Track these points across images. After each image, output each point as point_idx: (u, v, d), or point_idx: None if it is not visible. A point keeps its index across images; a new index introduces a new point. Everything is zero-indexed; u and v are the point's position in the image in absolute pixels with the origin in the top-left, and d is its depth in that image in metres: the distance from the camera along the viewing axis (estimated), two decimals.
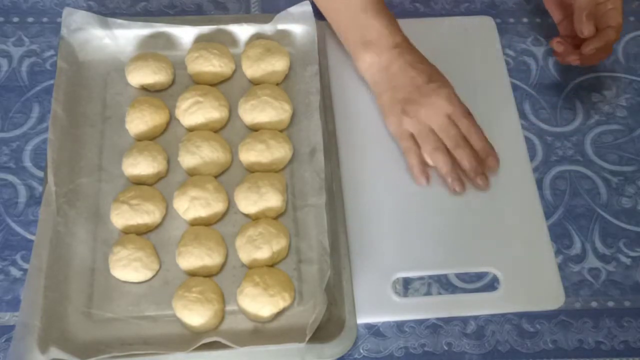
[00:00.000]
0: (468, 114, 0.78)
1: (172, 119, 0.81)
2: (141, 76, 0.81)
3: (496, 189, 0.79)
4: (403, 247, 0.75)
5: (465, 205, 0.78)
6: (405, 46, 0.80)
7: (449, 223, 0.77)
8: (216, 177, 0.77)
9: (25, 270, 0.72)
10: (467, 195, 0.78)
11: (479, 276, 0.75)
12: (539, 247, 0.76)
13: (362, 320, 0.71)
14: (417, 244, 0.76)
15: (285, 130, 0.81)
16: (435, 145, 0.77)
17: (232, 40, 0.85)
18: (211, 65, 0.81)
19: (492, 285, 0.74)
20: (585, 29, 0.77)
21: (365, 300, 0.72)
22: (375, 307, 0.72)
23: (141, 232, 0.74)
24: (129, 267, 0.70)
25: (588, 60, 0.80)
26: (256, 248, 0.71)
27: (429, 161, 0.78)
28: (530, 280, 0.74)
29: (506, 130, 0.83)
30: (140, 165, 0.76)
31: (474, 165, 0.77)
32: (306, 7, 0.83)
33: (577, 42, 0.81)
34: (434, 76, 0.79)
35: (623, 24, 0.79)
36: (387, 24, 0.79)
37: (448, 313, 0.73)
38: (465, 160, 0.77)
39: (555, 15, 0.86)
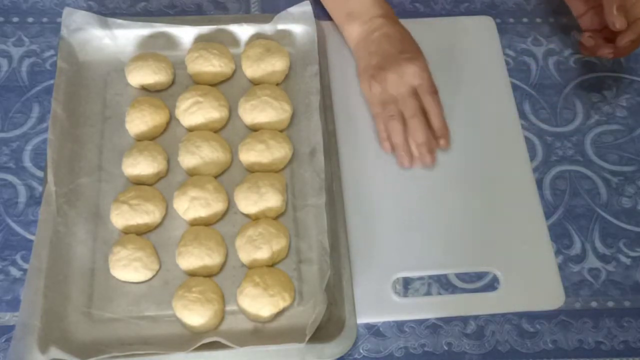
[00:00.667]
0: (433, 91, 0.79)
1: (172, 119, 0.81)
2: (141, 76, 0.81)
3: (496, 189, 0.79)
4: (403, 247, 0.75)
5: (465, 206, 0.78)
6: (389, 18, 0.82)
7: (449, 223, 0.77)
8: (216, 177, 0.77)
9: (25, 270, 0.72)
10: (468, 196, 0.78)
11: (479, 276, 0.75)
12: (539, 247, 0.76)
13: (362, 320, 0.71)
14: (417, 244, 0.76)
15: (285, 131, 0.81)
16: (393, 113, 0.78)
17: (232, 40, 0.85)
18: (211, 65, 0.81)
19: (492, 285, 0.74)
20: (618, 21, 0.76)
21: (365, 300, 0.72)
22: (375, 307, 0.72)
23: (141, 232, 0.74)
24: (129, 267, 0.70)
25: (622, 53, 0.80)
26: (256, 248, 0.71)
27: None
28: (530, 280, 0.74)
29: (506, 130, 0.83)
30: (140, 165, 0.76)
31: (426, 139, 0.78)
32: (306, 7, 0.84)
33: (603, 36, 0.80)
34: (409, 48, 0.81)
35: None
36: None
37: (448, 313, 0.73)
38: (418, 132, 0.78)
39: (577, 8, 0.84)
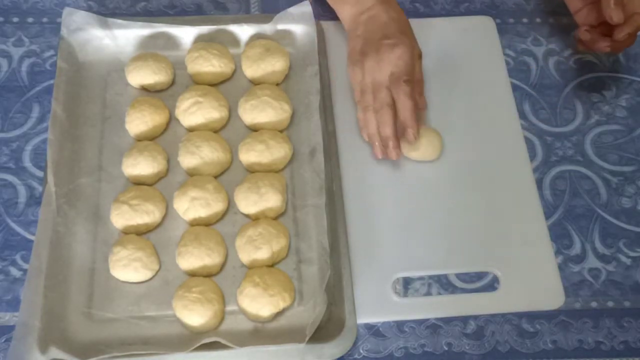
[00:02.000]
0: (409, 80, 0.75)
1: (172, 119, 0.81)
2: (141, 76, 0.81)
3: (496, 189, 0.79)
4: (403, 248, 0.75)
5: (465, 206, 0.78)
6: (382, 1, 0.80)
7: (449, 223, 0.77)
8: (216, 177, 0.77)
9: (25, 271, 0.72)
10: (467, 196, 0.78)
11: (479, 276, 0.75)
12: (539, 248, 0.76)
13: (362, 320, 0.71)
14: (417, 244, 0.76)
15: (285, 131, 0.81)
16: (368, 103, 0.77)
17: (232, 40, 0.85)
18: (211, 65, 0.81)
19: (492, 285, 0.74)
20: (615, 15, 0.76)
21: (366, 300, 0.72)
22: (375, 307, 0.72)
23: (141, 232, 0.74)
24: (129, 267, 0.70)
25: (618, 47, 0.79)
26: (256, 248, 0.71)
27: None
28: (530, 280, 0.74)
29: (506, 131, 0.83)
30: (140, 166, 0.76)
31: (391, 133, 0.76)
32: (306, 7, 0.83)
33: (599, 31, 0.80)
34: (394, 34, 0.77)
35: None
36: None
37: (448, 313, 0.73)
38: (384, 125, 0.76)
39: (573, 4, 0.84)
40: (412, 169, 0.80)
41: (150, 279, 0.72)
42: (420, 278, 0.74)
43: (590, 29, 0.81)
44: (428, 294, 0.74)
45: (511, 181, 0.80)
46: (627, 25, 0.77)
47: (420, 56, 0.79)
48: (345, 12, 0.82)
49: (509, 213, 0.78)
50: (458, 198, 0.78)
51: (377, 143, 0.77)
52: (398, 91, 0.75)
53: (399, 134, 0.77)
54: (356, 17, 0.80)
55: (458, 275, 0.75)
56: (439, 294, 0.74)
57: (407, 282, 0.74)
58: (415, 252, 0.75)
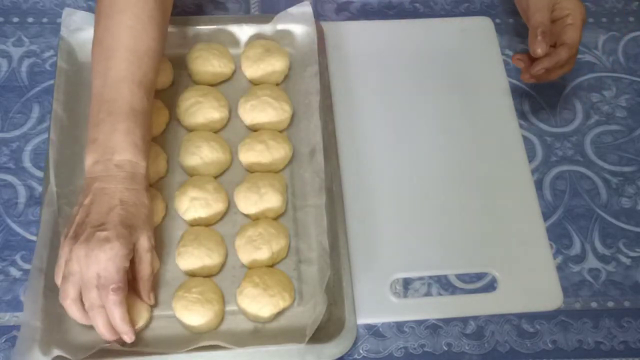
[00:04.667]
0: (118, 289, 0.63)
1: (172, 119, 0.81)
2: None
3: (494, 189, 0.79)
4: (402, 248, 0.75)
5: (464, 207, 0.78)
6: (128, 171, 0.66)
7: (449, 224, 0.77)
8: (216, 177, 0.77)
9: (25, 271, 0.72)
10: (467, 197, 0.78)
11: (479, 276, 0.75)
12: (537, 248, 0.76)
13: (361, 321, 0.71)
14: (417, 244, 0.76)
15: (285, 131, 0.81)
16: (71, 295, 0.64)
17: (232, 40, 0.85)
18: (211, 65, 0.81)
19: (491, 285, 0.74)
20: (539, 47, 0.73)
21: (365, 301, 0.72)
22: (374, 307, 0.72)
23: None
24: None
25: (545, 78, 0.77)
26: (256, 248, 0.71)
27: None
28: (528, 281, 0.74)
29: (504, 131, 0.83)
30: None
31: (108, 335, 0.65)
32: (306, 8, 0.83)
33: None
34: (116, 226, 0.64)
35: (623, 24, 0.79)
36: (130, 142, 0.66)
37: (446, 314, 0.73)
38: (99, 327, 0.65)
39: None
40: (412, 170, 0.80)
41: None
42: (420, 278, 0.74)
43: (523, 57, 0.77)
44: (428, 294, 0.74)
45: (510, 182, 0.80)
46: (546, 60, 0.74)
47: (150, 249, 0.67)
48: (88, 159, 0.67)
49: (508, 214, 0.78)
50: (456, 199, 0.78)
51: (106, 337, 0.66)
52: (106, 299, 0.63)
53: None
54: (92, 179, 0.67)
55: (458, 276, 0.75)
56: (439, 294, 0.74)
57: (407, 282, 0.74)
58: (414, 253, 0.75)
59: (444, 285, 0.74)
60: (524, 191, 0.80)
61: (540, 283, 0.74)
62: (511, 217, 0.78)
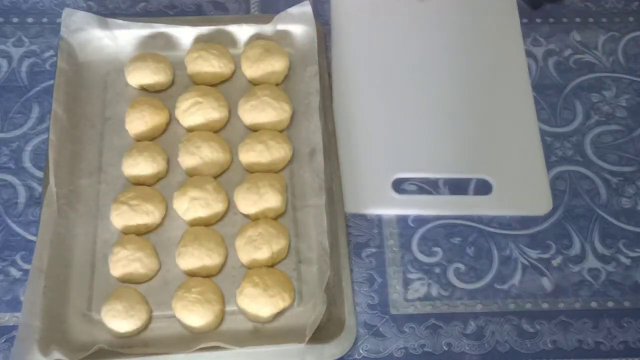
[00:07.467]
0: None
1: (171, 120, 0.81)
2: (141, 77, 0.81)
3: (494, 100, 0.83)
4: (405, 148, 0.80)
5: (465, 115, 0.82)
6: None
7: (451, 131, 0.81)
8: (216, 177, 0.77)
9: (24, 271, 0.72)
10: (466, 104, 0.83)
11: (479, 276, 0.75)
12: (532, 158, 0.81)
13: (366, 210, 0.77)
14: (416, 148, 0.80)
15: (285, 131, 0.81)
16: None
17: (231, 40, 0.85)
18: (211, 65, 0.81)
19: (487, 190, 0.79)
20: None
21: (368, 195, 0.77)
22: (378, 201, 0.77)
23: (141, 233, 0.74)
24: (129, 268, 0.70)
25: None
26: (256, 248, 0.71)
27: None
28: (521, 188, 0.79)
29: (507, 45, 0.87)
30: (140, 166, 0.76)
31: None
32: (306, 8, 0.83)
33: None
34: None
35: (623, 25, 0.79)
36: None
37: (442, 212, 0.77)
38: None
39: None
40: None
41: (150, 279, 0.72)
42: (420, 278, 0.74)
43: None
44: (428, 293, 0.74)
45: (509, 93, 0.84)
46: None
47: None
48: None
49: (505, 122, 0.82)
50: (458, 106, 0.83)
51: None
52: None
53: None
54: None
55: (458, 276, 0.75)
56: (439, 294, 0.74)
57: (406, 283, 0.74)
58: (414, 155, 0.80)
59: (444, 285, 0.74)
60: (522, 102, 0.83)
61: (532, 190, 0.79)
62: (507, 125, 0.82)
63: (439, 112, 0.83)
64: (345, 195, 0.76)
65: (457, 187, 0.79)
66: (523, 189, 0.79)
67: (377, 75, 0.85)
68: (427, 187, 0.79)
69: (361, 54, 0.86)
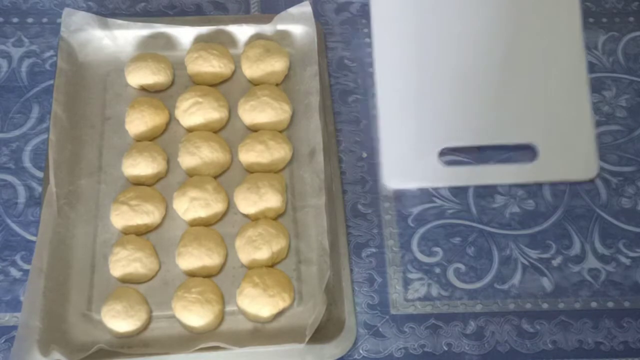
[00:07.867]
0: None
1: (171, 120, 0.81)
2: (140, 77, 0.81)
3: (542, 60, 0.81)
4: (450, 119, 0.78)
5: (514, 83, 0.79)
6: None
7: (497, 99, 0.79)
8: (216, 177, 0.77)
9: (24, 271, 0.72)
10: (518, 74, 0.80)
11: (479, 277, 0.75)
12: (581, 124, 0.79)
13: (412, 184, 0.77)
14: (464, 116, 0.78)
15: (285, 131, 0.81)
16: None
17: (231, 40, 0.85)
18: (210, 65, 0.81)
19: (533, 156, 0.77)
20: None
21: (415, 166, 0.76)
22: (424, 172, 0.76)
23: (141, 233, 0.74)
24: (129, 268, 0.71)
25: None
26: (256, 249, 0.71)
27: None
28: (567, 153, 0.78)
29: (562, 16, 0.83)
30: (140, 166, 0.76)
31: None
32: (306, 8, 0.83)
33: None
34: None
35: (623, 25, 0.79)
36: None
37: (484, 181, 0.78)
38: None
39: None
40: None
41: (150, 279, 0.72)
42: (420, 278, 0.75)
43: None
44: (428, 293, 0.74)
45: (562, 60, 0.81)
46: None
47: None
48: None
49: (553, 84, 0.80)
50: (508, 76, 0.80)
51: None
52: None
53: None
54: None
55: (458, 276, 0.75)
56: (439, 294, 0.74)
57: (407, 282, 0.74)
58: (461, 124, 0.78)
59: (444, 285, 0.74)
60: (570, 61, 0.81)
61: (579, 154, 0.78)
62: (557, 89, 0.80)
63: (483, 79, 0.80)
64: (386, 172, 0.76)
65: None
66: (570, 153, 0.78)
67: (420, 44, 0.83)
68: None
69: (404, 24, 0.83)
